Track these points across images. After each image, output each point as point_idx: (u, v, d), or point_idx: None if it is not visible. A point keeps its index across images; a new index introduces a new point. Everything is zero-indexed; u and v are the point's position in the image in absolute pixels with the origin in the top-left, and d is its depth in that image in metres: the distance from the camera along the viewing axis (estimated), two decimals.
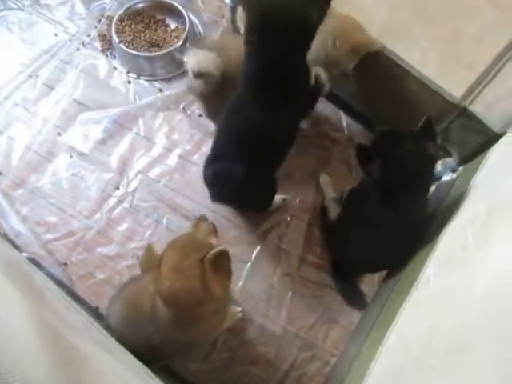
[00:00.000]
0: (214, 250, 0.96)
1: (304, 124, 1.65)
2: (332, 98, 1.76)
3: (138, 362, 1.23)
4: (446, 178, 1.49)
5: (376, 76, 1.55)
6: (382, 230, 1.23)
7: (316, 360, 1.40)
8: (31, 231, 1.55)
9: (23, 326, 0.80)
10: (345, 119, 1.76)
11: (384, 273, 1.50)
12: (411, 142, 1.19)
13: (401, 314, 1.07)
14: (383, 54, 1.47)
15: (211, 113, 1.57)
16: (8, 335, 0.72)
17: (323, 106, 1.75)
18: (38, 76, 1.86)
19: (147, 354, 1.16)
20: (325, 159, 1.70)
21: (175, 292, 0.96)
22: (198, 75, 1.35)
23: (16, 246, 1.50)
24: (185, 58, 1.41)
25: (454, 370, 0.74)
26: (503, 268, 0.79)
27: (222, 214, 1.60)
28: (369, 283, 1.50)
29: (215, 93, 1.39)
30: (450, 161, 1.49)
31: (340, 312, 1.46)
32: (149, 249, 1.02)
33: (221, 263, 0.97)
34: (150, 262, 1.01)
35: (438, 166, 1.47)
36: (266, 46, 1.13)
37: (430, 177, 1.28)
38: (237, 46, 1.24)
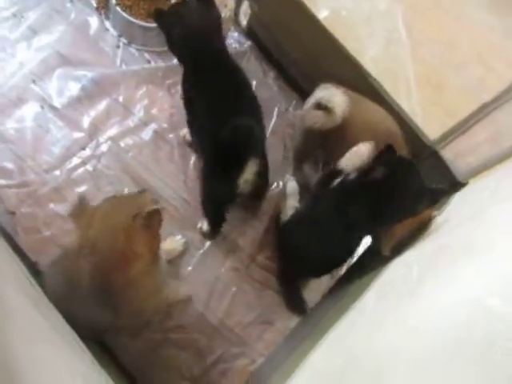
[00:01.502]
0: (149, 208, 0.98)
1: None
2: None
3: (67, 327, 1.21)
4: None
5: None
6: (328, 235, 1.30)
7: (244, 357, 1.43)
8: None
9: None
10: None
11: (330, 285, 1.56)
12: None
13: (332, 331, 1.10)
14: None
15: (299, 150, 1.60)
16: None
17: None
18: (22, 17, 1.78)
19: (83, 329, 1.14)
20: None
21: (100, 241, 0.96)
22: (323, 108, 1.35)
23: None
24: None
25: None
26: (434, 308, 0.83)
27: (183, 198, 1.60)
28: (315, 291, 1.55)
29: (319, 133, 1.40)
30: None
31: (279, 315, 1.49)
32: (82, 198, 1.03)
33: (152, 223, 0.98)
34: (82, 209, 1.01)
35: None
36: None
37: None
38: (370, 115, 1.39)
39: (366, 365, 0.85)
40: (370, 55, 1.90)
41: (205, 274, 1.51)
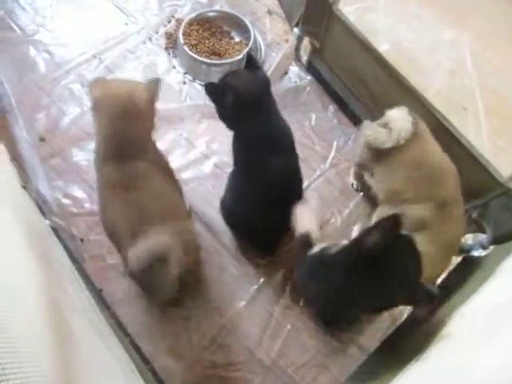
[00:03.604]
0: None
1: None
2: None
3: (126, 357, 1.24)
4: (475, 253, 1.45)
5: None
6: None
7: None
8: (58, 201, 1.60)
9: (34, 296, 0.82)
10: None
11: (387, 332, 1.47)
12: None
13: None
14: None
15: (357, 162, 1.60)
16: (20, 303, 0.74)
17: None
18: (101, 58, 1.94)
19: None
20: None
21: (107, 93, 1.15)
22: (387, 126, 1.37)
23: (42, 212, 1.54)
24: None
25: None
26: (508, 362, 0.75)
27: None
28: (370, 337, 1.47)
29: (375, 151, 1.40)
30: (483, 237, 1.45)
31: (333, 360, 1.43)
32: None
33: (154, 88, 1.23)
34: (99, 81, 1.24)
35: (469, 239, 1.44)
36: None
37: None
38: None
39: None
40: (434, 87, 1.83)
41: (258, 311, 1.49)
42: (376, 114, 1.74)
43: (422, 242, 1.12)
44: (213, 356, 1.41)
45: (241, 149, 1.39)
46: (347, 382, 1.37)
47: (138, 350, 1.39)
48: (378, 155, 1.39)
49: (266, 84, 1.35)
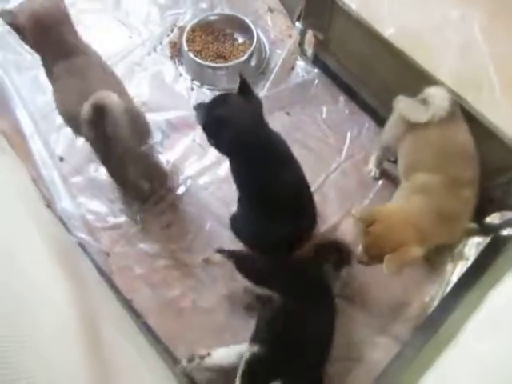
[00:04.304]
0: None
1: None
2: None
3: (158, 362, 1.26)
4: (504, 232, 1.41)
5: None
6: None
7: None
8: (82, 217, 1.64)
9: (66, 308, 0.84)
10: None
11: (418, 320, 1.45)
12: None
13: (432, 371, 1.02)
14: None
15: (384, 135, 1.57)
16: (51, 314, 0.76)
17: None
18: None
19: None
20: None
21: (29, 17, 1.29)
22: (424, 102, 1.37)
23: (67, 229, 1.58)
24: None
25: None
26: None
27: None
28: (402, 326, 1.45)
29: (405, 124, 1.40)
30: (510, 215, 1.42)
31: (366, 353, 1.42)
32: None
33: None
34: None
35: (496, 219, 1.40)
36: None
37: None
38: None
39: None
40: (446, 67, 1.78)
41: None
42: (387, 100, 1.71)
43: (418, 201, 1.26)
44: None
45: (241, 174, 1.37)
46: (382, 374, 1.35)
47: (171, 355, 1.41)
48: (408, 129, 1.38)
49: (260, 111, 1.30)
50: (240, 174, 1.38)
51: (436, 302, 1.50)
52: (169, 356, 1.40)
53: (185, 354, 1.40)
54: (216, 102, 1.29)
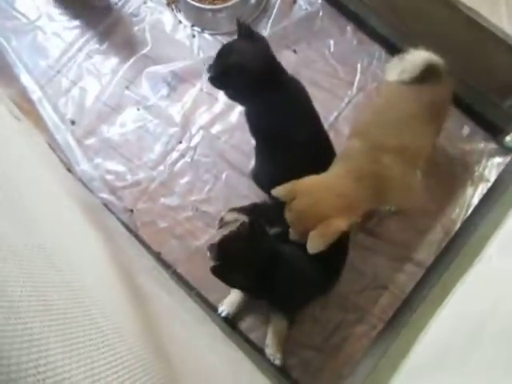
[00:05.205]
0: None
1: None
2: None
3: (194, 305, 1.34)
4: None
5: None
6: None
7: (363, 323, 1.44)
8: (102, 178, 1.67)
9: (105, 264, 0.89)
10: None
11: (441, 244, 1.48)
12: None
13: (457, 288, 1.05)
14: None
15: None
16: (93, 269, 0.81)
17: None
18: (108, 28, 1.89)
19: None
20: None
21: None
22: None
23: (90, 191, 1.62)
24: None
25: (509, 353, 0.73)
26: None
27: None
28: (425, 252, 1.48)
29: None
30: None
31: (392, 280, 1.47)
32: None
33: None
34: None
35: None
36: None
37: None
38: None
39: (502, 321, 0.80)
40: None
41: None
42: (398, 26, 1.63)
43: (338, 167, 1.21)
44: None
45: (260, 120, 1.34)
46: (409, 300, 1.41)
47: (204, 300, 1.48)
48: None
49: (267, 48, 1.27)
50: (258, 120, 1.36)
51: (458, 225, 1.51)
52: (202, 300, 1.48)
53: (217, 298, 1.48)
54: (222, 53, 1.26)
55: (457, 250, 1.29)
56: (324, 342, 1.43)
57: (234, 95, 1.35)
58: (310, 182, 1.16)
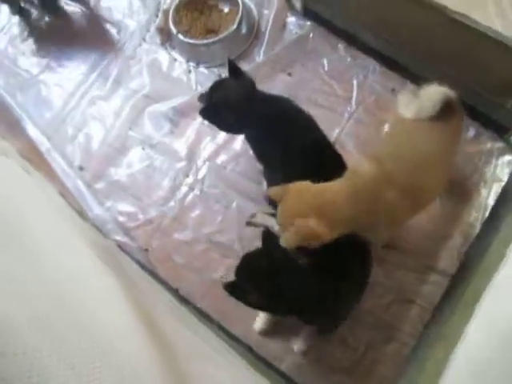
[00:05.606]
0: None
1: None
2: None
3: (219, 340, 1.31)
4: None
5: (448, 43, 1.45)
6: None
7: (394, 341, 1.39)
8: (115, 220, 1.68)
9: (123, 306, 0.88)
10: None
11: (461, 249, 1.45)
12: None
13: (488, 292, 1.02)
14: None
15: None
16: (111, 314, 0.80)
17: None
18: (107, 74, 1.96)
19: None
20: None
21: None
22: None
23: (103, 234, 1.63)
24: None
25: None
26: None
27: None
28: (447, 259, 1.45)
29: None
30: None
31: (418, 292, 1.43)
32: None
33: None
34: None
35: None
36: None
37: None
38: None
39: None
40: None
41: None
42: (388, 37, 1.65)
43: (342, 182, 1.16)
44: None
45: (258, 144, 1.43)
46: (438, 311, 1.37)
47: (227, 332, 1.46)
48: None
49: (250, 85, 1.39)
50: (257, 144, 1.43)
51: (477, 229, 1.48)
52: (224, 333, 1.45)
53: (240, 330, 1.45)
54: (211, 89, 1.39)
55: (480, 254, 1.25)
56: (355, 365, 1.38)
57: (223, 126, 1.46)
58: (302, 185, 1.14)
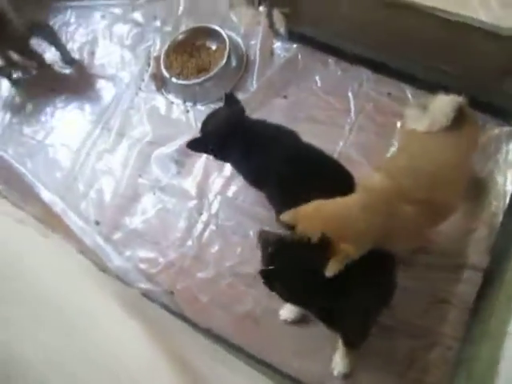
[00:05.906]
0: None
1: None
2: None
3: (262, 377, 1.28)
4: None
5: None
6: None
7: (437, 346, 1.34)
8: (136, 268, 1.69)
9: (153, 355, 0.87)
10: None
11: (489, 240, 1.41)
12: None
13: None
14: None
15: None
16: (141, 366, 0.79)
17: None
18: (109, 128, 2.01)
19: None
20: None
21: None
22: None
23: (127, 284, 1.63)
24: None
25: None
26: None
27: None
28: (475, 253, 1.42)
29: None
30: None
31: (452, 291, 1.39)
32: None
33: None
34: None
35: None
36: None
37: None
38: None
39: None
40: None
41: None
42: (374, 44, 1.66)
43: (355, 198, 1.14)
44: None
45: (249, 166, 1.46)
46: (477, 309, 1.32)
47: (267, 364, 1.42)
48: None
49: (241, 112, 1.44)
50: (249, 172, 1.49)
51: (500, 217, 1.45)
52: (264, 366, 1.42)
53: (279, 360, 1.42)
54: (202, 124, 1.47)
55: (508, 242, 1.22)
56: (402, 378, 1.33)
57: (216, 155, 1.49)
58: (315, 205, 1.12)
